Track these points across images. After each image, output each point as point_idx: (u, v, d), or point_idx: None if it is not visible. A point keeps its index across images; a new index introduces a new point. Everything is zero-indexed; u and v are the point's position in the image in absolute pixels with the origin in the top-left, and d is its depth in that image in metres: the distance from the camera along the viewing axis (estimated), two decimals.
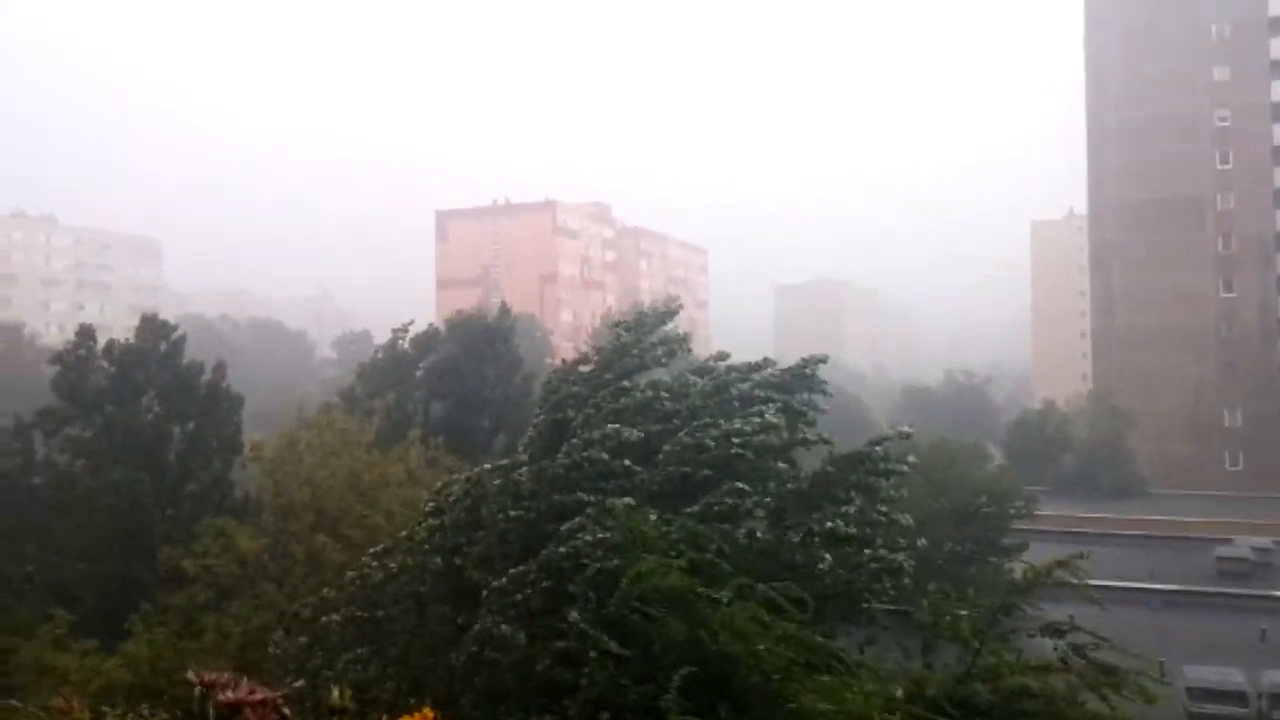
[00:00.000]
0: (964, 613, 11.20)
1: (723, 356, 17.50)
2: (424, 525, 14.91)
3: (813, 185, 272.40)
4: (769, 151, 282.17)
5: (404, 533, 15.74)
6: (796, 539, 13.45)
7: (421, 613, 14.23)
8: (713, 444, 13.92)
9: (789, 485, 14.39)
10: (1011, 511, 35.30)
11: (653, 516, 11.51)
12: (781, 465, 14.68)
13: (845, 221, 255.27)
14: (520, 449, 15.77)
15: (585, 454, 13.75)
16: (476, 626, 12.53)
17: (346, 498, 26.15)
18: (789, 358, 17.72)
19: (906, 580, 13.12)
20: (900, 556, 13.21)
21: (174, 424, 30.86)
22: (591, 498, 13.10)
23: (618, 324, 18.44)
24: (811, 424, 15.59)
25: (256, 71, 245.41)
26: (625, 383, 15.95)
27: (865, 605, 13.22)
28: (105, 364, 30.73)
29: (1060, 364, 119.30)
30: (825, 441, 15.04)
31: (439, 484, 16.14)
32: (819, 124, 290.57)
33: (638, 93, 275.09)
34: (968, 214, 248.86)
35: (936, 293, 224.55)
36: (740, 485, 13.47)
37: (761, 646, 9.31)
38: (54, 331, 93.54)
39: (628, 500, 12.13)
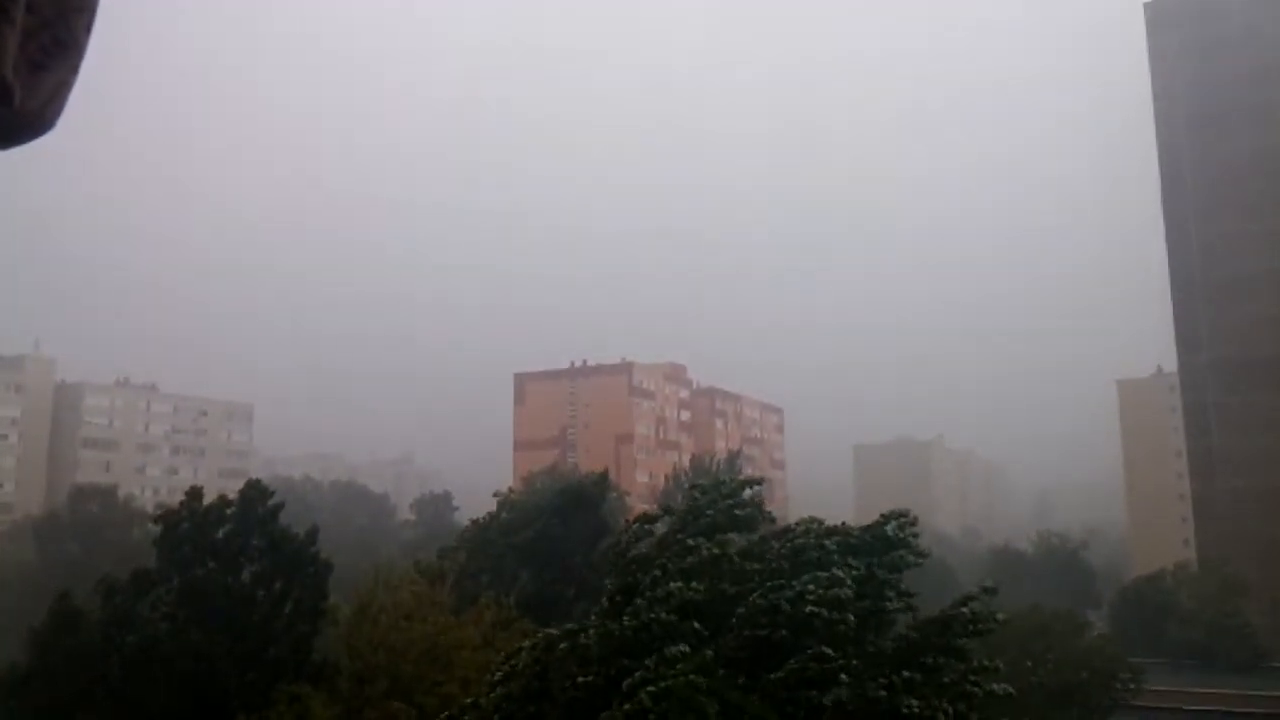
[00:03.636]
0: None
1: (805, 523, 17.24)
2: (493, 695, 14.65)
3: (892, 345, 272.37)
4: (847, 311, 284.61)
5: (470, 699, 15.46)
6: (885, 706, 12.86)
7: None
8: (788, 605, 13.60)
9: (871, 649, 13.90)
10: (1118, 686, 33.00)
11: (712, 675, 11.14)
12: (852, 619, 14.21)
13: (926, 381, 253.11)
14: (593, 614, 15.60)
15: (651, 614, 13.53)
16: None
17: (422, 663, 25.92)
18: (869, 519, 17.36)
19: None
20: None
21: (261, 587, 31.22)
22: (656, 647, 12.82)
23: (694, 486, 18.45)
24: (893, 585, 15.11)
25: (335, 246, 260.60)
26: (690, 541, 15.83)
27: None
28: (204, 527, 31.54)
29: (1159, 527, 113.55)
30: (908, 604, 14.53)
31: (507, 652, 15.94)
32: (897, 281, 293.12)
33: (711, 253, 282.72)
34: (1050, 372, 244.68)
35: (1022, 453, 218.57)
36: (825, 650, 13.04)
37: None
38: (148, 495, 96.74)
39: (683, 648, 11.87)
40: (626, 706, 11.72)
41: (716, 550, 15.09)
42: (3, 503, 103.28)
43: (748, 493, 18.75)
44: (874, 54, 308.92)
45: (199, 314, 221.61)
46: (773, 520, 19.65)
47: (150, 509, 41.06)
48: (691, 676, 11.85)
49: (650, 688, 11.46)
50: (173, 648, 29.36)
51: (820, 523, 17.21)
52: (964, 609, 14.25)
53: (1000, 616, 15.56)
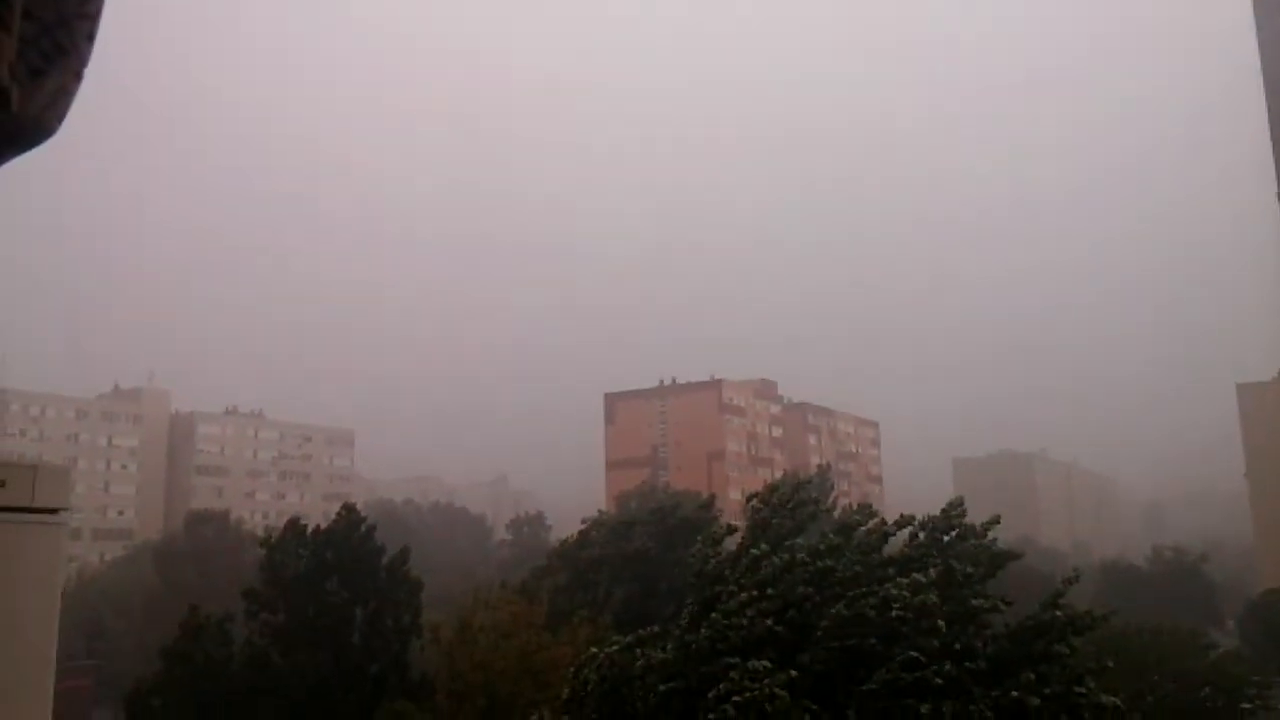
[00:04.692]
0: None
1: (864, 512, 17.06)
2: (566, 700, 14.74)
3: (993, 355, 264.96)
4: (942, 322, 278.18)
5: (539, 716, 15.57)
6: (990, 714, 12.51)
7: None
8: (873, 613, 13.39)
9: (960, 650, 13.54)
10: (1245, 705, 31.26)
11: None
12: (942, 625, 13.85)
13: (1027, 391, 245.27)
14: (674, 629, 15.63)
15: (726, 624, 13.54)
16: None
17: (520, 681, 26.18)
18: None
19: None
20: None
21: (359, 606, 32.10)
22: (736, 658, 12.78)
23: (751, 498, 18.42)
24: (975, 581, 14.78)
25: (431, 274, 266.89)
26: (754, 551, 15.79)
27: None
28: (303, 551, 32.65)
29: None
30: (996, 603, 14.11)
31: (572, 669, 15.95)
32: (995, 290, 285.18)
33: (808, 271, 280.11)
34: (1157, 379, 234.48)
35: (1130, 463, 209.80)
36: (916, 656, 12.76)
37: None
38: (257, 519, 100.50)
39: (765, 663, 11.80)
40: (711, 716, 11.68)
41: (785, 558, 14.97)
42: (124, 528, 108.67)
43: (814, 494, 18.64)
44: (966, 38, 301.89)
45: (300, 342, 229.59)
46: (831, 512, 19.47)
47: (260, 532, 42.73)
48: (778, 691, 11.73)
49: (736, 698, 11.41)
50: (281, 665, 30.43)
51: (869, 507, 17.19)
52: (1057, 612, 13.74)
53: (1098, 613, 14.97)
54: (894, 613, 13.26)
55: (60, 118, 1.58)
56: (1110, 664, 14.88)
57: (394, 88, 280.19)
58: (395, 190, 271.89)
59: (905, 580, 13.85)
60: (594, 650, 15.46)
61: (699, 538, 18.69)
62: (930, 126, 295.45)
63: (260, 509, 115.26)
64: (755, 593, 13.85)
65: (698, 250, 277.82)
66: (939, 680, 13.01)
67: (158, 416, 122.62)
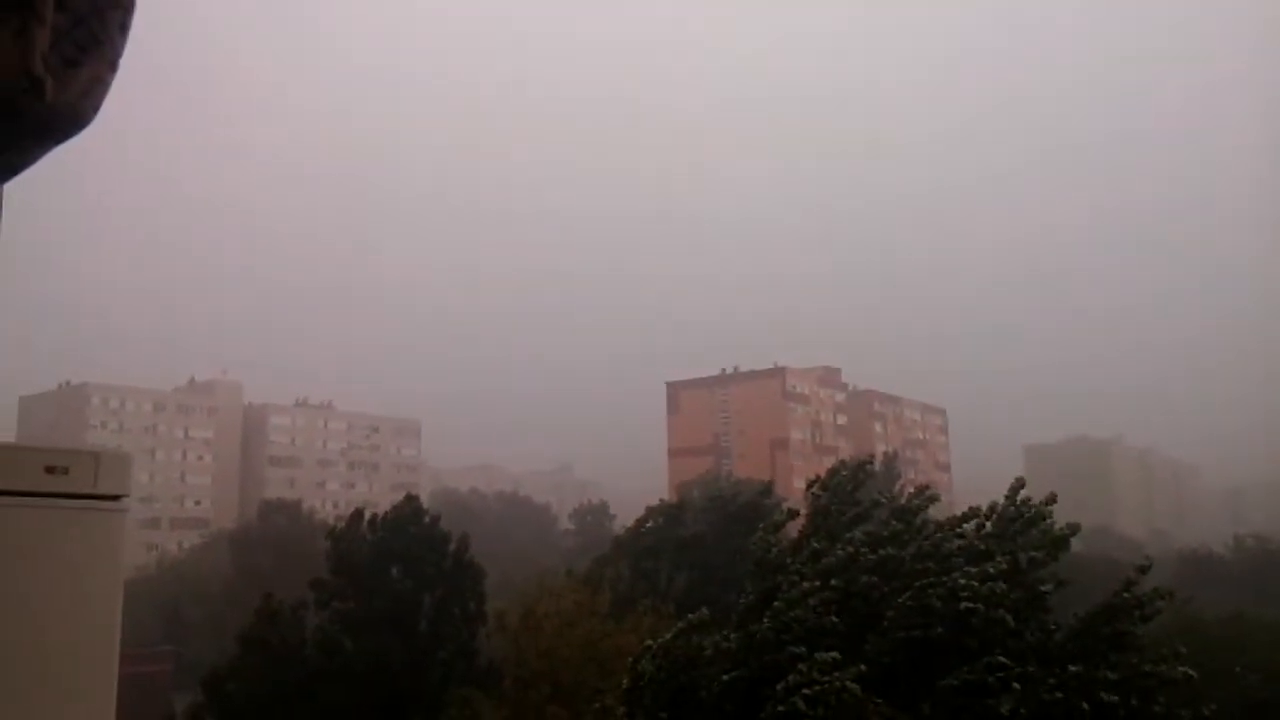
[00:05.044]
0: None
1: (922, 495, 16.72)
2: (620, 713, 14.73)
3: (1066, 341, 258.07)
4: (1012, 308, 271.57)
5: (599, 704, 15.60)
6: (1059, 710, 12.26)
7: None
8: (939, 604, 13.16)
9: (1032, 640, 13.31)
10: None
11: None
12: (1009, 620, 13.59)
13: (1101, 377, 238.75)
14: (733, 616, 15.55)
15: (791, 614, 13.42)
16: None
17: (584, 669, 26.33)
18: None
19: None
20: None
21: (425, 593, 32.62)
22: (801, 648, 12.67)
23: (811, 484, 18.04)
24: (1042, 567, 14.49)
25: (489, 262, 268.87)
26: (816, 544, 15.58)
27: None
28: (368, 539, 33.30)
29: None
30: (1058, 584, 13.81)
31: (631, 659, 15.90)
32: (1068, 275, 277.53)
33: (863, 253, 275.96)
34: (1244, 362, 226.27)
35: (1211, 450, 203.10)
36: (1001, 659, 12.56)
37: None
38: (328, 508, 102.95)
39: (834, 655, 11.68)
40: (780, 709, 11.58)
41: (850, 550, 14.76)
42: (200, 517, 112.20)
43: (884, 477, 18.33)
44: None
45: (366, 334, 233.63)
46: (893, 499, 19.06)
47: (331, 521, 43.66)
48: (850, 684, 11.59)
49: (805, 690, 11.30)
50: (352, 650, 31.08)
51: (926, 489, 16.81)
52: (1126, 594, 13.39)
53: (1169, 591, 14.54)
54: (962, 605, 13.00)
55: (96, 107, 1.59)
56: (1183, 649, 14.38)
57: (455, 56, 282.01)
58: (457, 177, 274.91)
59: (974, 570, 13.58)
60: (649, 643, 15.46)
61: (760, 525, 18.50)
62: (1020, 111, 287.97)
63: (331, 498, 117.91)
64: (818, 582, 13.70)
65: (761, 236, 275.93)
66: (1017, 683, 12.75)
67: (231, 408, 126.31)
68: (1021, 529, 14.98)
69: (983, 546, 14.78)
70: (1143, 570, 14.94)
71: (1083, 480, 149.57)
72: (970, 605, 13.01)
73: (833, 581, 13.75)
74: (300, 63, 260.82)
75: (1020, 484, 15.78)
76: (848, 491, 16.92)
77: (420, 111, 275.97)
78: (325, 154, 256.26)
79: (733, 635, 14.00)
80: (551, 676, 26.74)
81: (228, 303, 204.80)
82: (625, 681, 15.20)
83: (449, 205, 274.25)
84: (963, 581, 13.44)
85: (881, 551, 14.93)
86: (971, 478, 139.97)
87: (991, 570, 13.55)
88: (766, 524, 18.06)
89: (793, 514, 17.52)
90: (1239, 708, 26.40)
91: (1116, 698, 12.37)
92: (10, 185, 1.76)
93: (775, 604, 14.02)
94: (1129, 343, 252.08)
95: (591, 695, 23.53)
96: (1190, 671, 13.18)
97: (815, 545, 15.55)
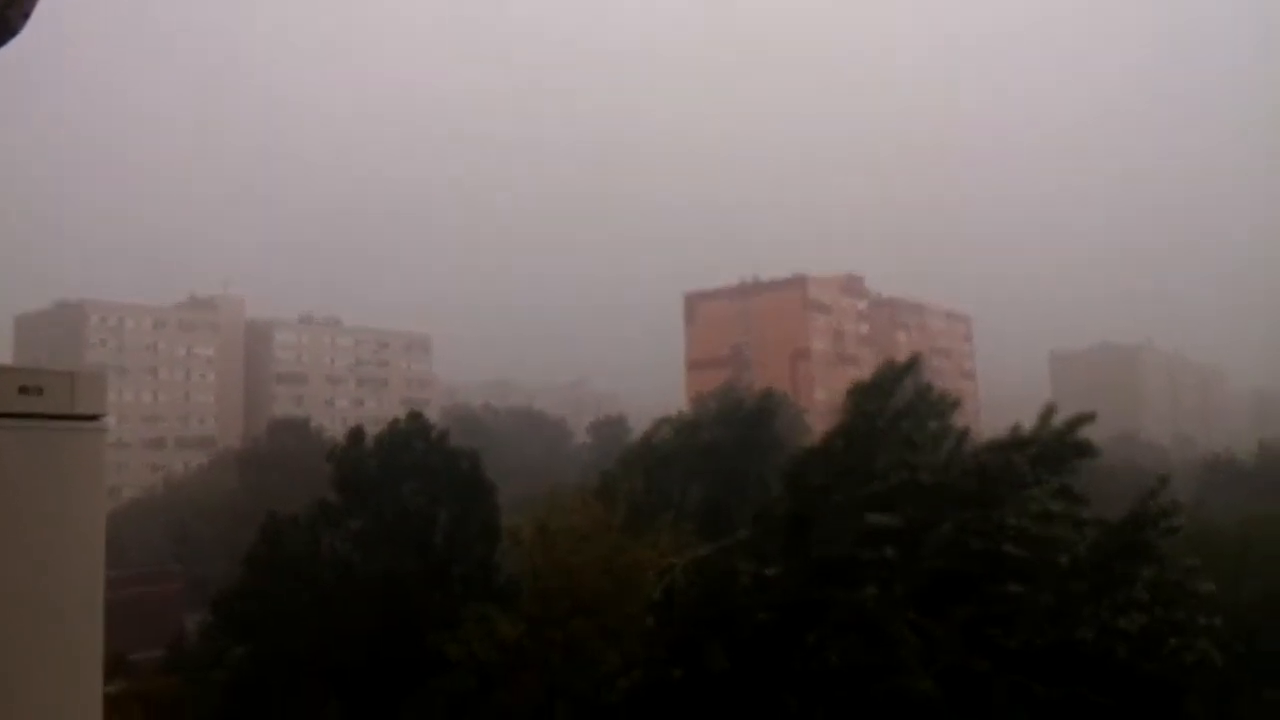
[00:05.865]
0: None
1: (945, 402, 15.40)
2: (648, 623, 13.73)
3: (1091, 248, 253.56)
4: (1039, 215, 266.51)
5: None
6: (1090, 635, 11.42)
7: None
8: (979, 544, 12.14)
9: (1069, 582, 12.23)
10: None
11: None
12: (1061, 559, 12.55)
13: (1128, 281, 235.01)
14: (754, 532, 14.34)
15: (829, 548, 12.25)
16: None
17: (601, 582, 25.48)
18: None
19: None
20: (1205, 644, 11.04)
21: (439, 509, 31.65)
22: (841, 591, 11.60)
23: (853, 389, 16.35)
24: (1086, 502, 13.44)
25: (502, 174, 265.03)
26: (852, 460, 14.28)
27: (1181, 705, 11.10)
28: (373, 459, 32.20)
29: None
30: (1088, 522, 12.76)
31: (660, 572, 14.91)
32: (1094, 180, 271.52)
33: (897, 165, 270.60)
34: (1270, 262, 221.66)
35: (1240, 355, 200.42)
36: (1016, 589, 11.71)
37: None
38: (338, 425, 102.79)
39: (872, 590, 10.72)
40: (810, 637, 10.55)
41: (905, 475, 13.41)
42: (205, 436, 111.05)
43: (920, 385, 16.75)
44: None
45: (372, 248, 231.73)
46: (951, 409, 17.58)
47: (341, 439, 42.68)
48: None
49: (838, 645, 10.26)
50: (366, 568, 30.30)
51: (950, 396, 15.66)
52: (1149, 504, 12.49)
53: (1183, 501, 13.94)
54: (1005, 545, 11.99)
55: (25, 14, 1.64)
56: (1196, 562, 13.65)
57: None
58: (468, 88, 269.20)
59: (1032, 505, 12.45)
60: (672, 562, 14.36)
61: (800, 449, 17.17)
62: (1039, 25, 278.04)
63: (340, 415, 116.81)
64: (879, 514, 12.46)
65: (781, 145, 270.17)
66: (1045, 614, 11.87)
67: (234, 325, 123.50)
68: (1058, 456, 13.72)
69: (1031, 476, 13.63)
70: (1163, 481, 14.10)
71: (1109, 389, 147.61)
72: (1013, 550, 12.03)
73: (878, 519, 12.48)
74: None
75: (1052, 411, 14.53)
76: (890, 401, 15.37)
77: (432, 13, 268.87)
78: (330, 66, 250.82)
79: (772, 571, 12.76)
80: (571, 592, 25.98)
81: (227, 216, 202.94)
82: (656, 595, 14.14)
83: (457, 114, 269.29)
84: (1011, 520, 12.34)
85: (923, 477, 13.64)
86: (996, 385, 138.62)
87: (1051, 507, 12.44)
88: (804, 450, 16.72)
89: (835, 432, 15.94)
90: (1244, 603, 24.79)
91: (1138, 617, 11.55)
92: None
93: (813, 535, 12.78)
94: (1156, 245, 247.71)
95: (612, 607, 22.80)
96: (1212, 586, 13.03)
97: (852, 462, 14.23)
